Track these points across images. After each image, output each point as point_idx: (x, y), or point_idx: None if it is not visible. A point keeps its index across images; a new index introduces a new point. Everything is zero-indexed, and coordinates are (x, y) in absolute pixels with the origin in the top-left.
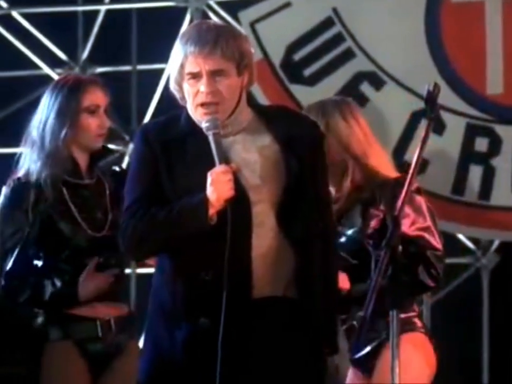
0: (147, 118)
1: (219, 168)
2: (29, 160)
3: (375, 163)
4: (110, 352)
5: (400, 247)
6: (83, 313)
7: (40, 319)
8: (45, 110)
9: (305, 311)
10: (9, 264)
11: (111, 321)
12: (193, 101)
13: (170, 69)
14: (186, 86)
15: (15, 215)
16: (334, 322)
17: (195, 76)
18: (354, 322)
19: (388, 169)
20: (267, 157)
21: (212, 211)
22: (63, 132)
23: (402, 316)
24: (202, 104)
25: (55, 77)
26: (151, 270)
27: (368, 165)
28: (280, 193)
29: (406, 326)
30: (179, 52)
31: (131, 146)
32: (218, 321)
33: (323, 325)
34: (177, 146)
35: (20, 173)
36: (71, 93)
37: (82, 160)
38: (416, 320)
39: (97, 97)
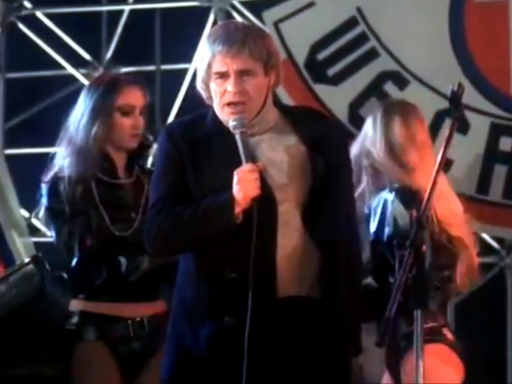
0: (171, 118)
1: (245, 167)
2: (61, 157)
3: None
4: (143, 352)
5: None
6: (115, 313)
7: (74, 319)
8: (81, 108)
9: (329, 312)
10: (75, 257)
11: (144, 321)
12: (220, 100)
13: (197, 68)
14: (214, 86)
15: (58, 210)
16: (358, 323)
17: (222, 76)
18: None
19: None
20: (293, 156)
21: (237, 210)
22: (94, 130)
23: (430, 324)
24: (229, 104)
25: (79, 77)
26: None
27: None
28: (305, 193)
29: (432, 336)
30: (206, 51)
31: (155, 146)
32: (243, 320)
33: (347, 325)
34: (203, 145)
35: (54, 169)
36: (106, 91)
37: (119, 159)
38: (446, 331)
39: (133, 97)
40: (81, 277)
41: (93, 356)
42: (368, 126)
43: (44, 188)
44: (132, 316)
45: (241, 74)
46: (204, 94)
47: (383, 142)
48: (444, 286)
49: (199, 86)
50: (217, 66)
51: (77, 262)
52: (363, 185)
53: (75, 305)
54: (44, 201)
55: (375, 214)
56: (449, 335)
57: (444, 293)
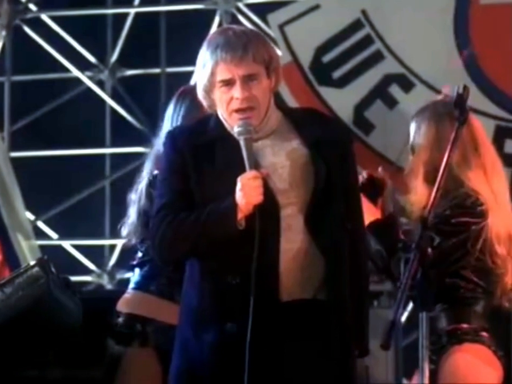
0: None
1: (249, 173)
2: (147, 164)
3: None
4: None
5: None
6: (162, 319)
7: (121, 322)
8: (169, 120)
9: (335, 314)
10: None
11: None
12: (227, 107)
13: (198, 77)
14: (218, 94)
15: None
16: (365, 324)
17: (228, 83)
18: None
19: None
20: (295, 160)
21: (240, 216)
22: None
23: (465, 326)
24: (238, 110)
25: (85, 79)
26: None
27: None
28: (308, 197)
29: (472, 336)
30: (208, 60)
31: (154, 149)
32: (246, 326)
33: (353, 327)
34: (207, 151)
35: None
36: (193, 103)
37: None
38: (484, 333)
39: None
40: None
41: (141, 362)
42: (435, 128)
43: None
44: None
45: (247, 79)
46: (204, 102)
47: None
48: (491, 291)
49: (200, 94)
50: (222, 75)
51: None
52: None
53: None
54: None
55: None
56: (488, 338)
57: (491, 297)
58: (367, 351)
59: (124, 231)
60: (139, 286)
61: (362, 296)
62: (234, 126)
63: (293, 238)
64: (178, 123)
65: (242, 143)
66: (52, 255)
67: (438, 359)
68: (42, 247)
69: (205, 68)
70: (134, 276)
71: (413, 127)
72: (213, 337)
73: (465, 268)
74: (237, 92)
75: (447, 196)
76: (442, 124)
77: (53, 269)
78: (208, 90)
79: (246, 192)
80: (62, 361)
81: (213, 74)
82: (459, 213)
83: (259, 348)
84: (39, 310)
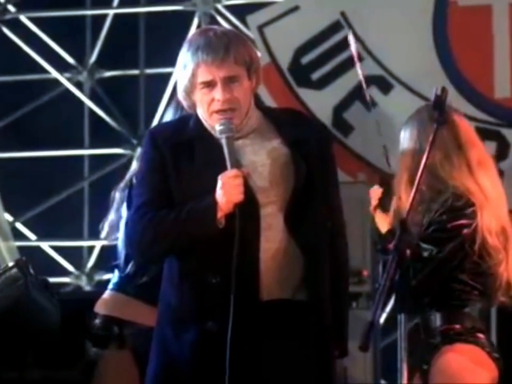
0: (155, 122)
1: (230, 172)
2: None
3: None
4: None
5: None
6: (139, 321)
7: (98, 324)
8: None
9: (314, 314)
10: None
11: None
12: (208, 108)
13: (178, 78)
14: (199, 95)
15: None
16: (344, 324)
17: (209, 85)
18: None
19: None
20: (276, 159)
21: (220, 214)
22: None
23: (457, 326)
24: (218, 111)
25: (63, 81)
26: None
27: None
28: (288, 196)
29: (465, 336)
30: (189, 61)
31: (139, 150)
32: (226, 325)
33: (332, 327)
34: (186, 150)
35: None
36: None
37: None
38: (480, 335)
39: None
40: None
41: (117, 364)
42: (417, 131)
43: None
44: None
45: (228, 81)
46: (185, 103)
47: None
48: (486, 292)
49: (181, 95)
50: (203, 76)
51: None
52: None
53: None
54: None
55: None
56: (483, 339)
57: (488, 298)
58: (347, 352)
59: (104, 231)
60: (117, 287)
61: (342, 296)
62: (215, 125)
63: (272, 237)
64: None
65: (224, 141)
66: (30, 256)
67: (431, 359)
68: (20, 248)
69: (185, 69)
70: (114, 276)
71: (401, 134)
72: (193, 336)
73: (463, 272)
74: (218, 93)
75: (437, 199)
76: (424, 128)
77: (31, 270)
78: (189, 91)
79: (226, 191)
80: (41, 362)
81: (193, 75)
82: (452, 217)
83: (239, 347)
84: (17, 311)
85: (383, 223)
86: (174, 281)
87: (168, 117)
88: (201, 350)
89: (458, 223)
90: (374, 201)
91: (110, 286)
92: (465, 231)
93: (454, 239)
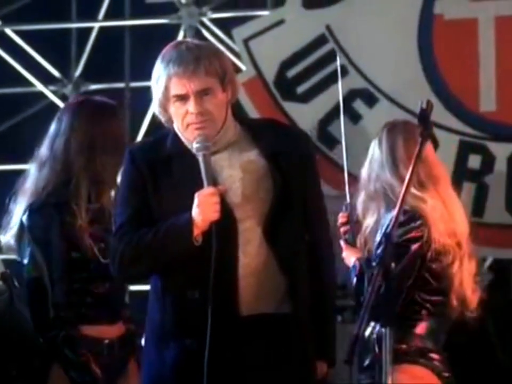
0: (141, 135)
1: (206, 190)
2: None
3: None
4: (111, 375)
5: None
6: (92, 334)
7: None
8: None
9: (296, 327)
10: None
11: (114, 342)
12: (183, 121)
13: (153, 93)
14: (173, 108)
15: None
16: (330, 335)
17: (182, 98)
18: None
19: None
20: (252, 172)
21: (197, 232)
22: None
23: (404, 346)
24: (193, 124)
25: (48, 94)
26: (143, 287)
27: None
28: (266, 210)
29: (412, 357)
30: (162, 74)
31: None
32: (205, 342)
33: (318, 338)
34: (164, 167)
35: None
36: None
37: None
38: (434, 356)
39: None
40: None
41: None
42: (374, 148)
43: None
44: (105, 336)
45: (201, 94)
46: (162, 117)
47: (390, 162)
48: (436, 311)
49: (157, 110)
50: (175, 89)
51: None
52: (376, 211)
53: None
54: None
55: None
56: (436, 361)
57: (437, 318)
58: (334, 362)
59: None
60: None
61: (326, 306)
62: (193, 142)
63: (251, 252)
64: None
65: (200, 159)
66: (15, 269)
67: (379, 378)
68: (5, 261)
69: (158, 82)
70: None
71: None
72: (174, 353)
73: (414, 290)
74: (191, 106)
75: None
76: (395, 143)
77: (16, 283)
78: (164, 105)
79: (202, 209)
80: (25, 375)
81: (166, 88)
82: (402, 233)
83: (219, 365)
84: (1, 324)
85: (350, 256)
86: (158, 296)
87: None
88: (181, 367)
89: (407, 237)
90: (342, 230)
91: None
92: (415, 246)
93: (404, 255)
